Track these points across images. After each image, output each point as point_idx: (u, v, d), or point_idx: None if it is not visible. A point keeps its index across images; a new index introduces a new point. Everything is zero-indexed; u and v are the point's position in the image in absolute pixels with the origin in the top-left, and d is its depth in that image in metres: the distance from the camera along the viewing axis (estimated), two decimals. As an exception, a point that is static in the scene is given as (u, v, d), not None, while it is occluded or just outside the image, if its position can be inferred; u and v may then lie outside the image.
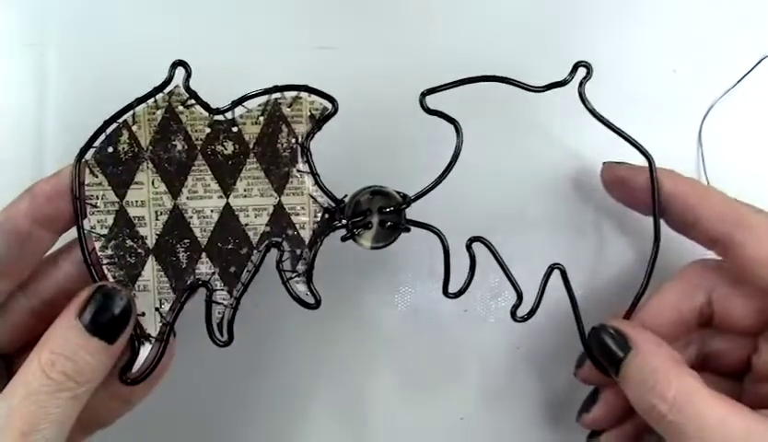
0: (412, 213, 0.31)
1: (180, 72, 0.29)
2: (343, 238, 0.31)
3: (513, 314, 0.33)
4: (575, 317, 0.33)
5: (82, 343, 0.27)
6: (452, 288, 0.32)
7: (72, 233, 0.30)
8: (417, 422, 0.36)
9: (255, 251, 0.31)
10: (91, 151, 0.29)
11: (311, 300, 0.31)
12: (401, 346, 0.36)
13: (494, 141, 0.34)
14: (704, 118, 0.36)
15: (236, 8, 0.35)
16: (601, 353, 0.31)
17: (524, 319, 0.32)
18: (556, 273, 0.32)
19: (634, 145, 0.32)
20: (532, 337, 0.36)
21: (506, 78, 0.31)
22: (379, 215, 0.31)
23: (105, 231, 0.30)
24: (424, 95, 0.31)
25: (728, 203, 0.30)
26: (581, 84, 0.31)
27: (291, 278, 0.31)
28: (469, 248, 0.32)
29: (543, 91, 0.31)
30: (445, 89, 0.31)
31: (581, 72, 0.31)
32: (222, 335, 0.31)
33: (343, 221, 0.31)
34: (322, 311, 0.31)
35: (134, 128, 0.30)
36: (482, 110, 0.31)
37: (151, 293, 0.30)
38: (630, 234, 0.35)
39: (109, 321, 0.28)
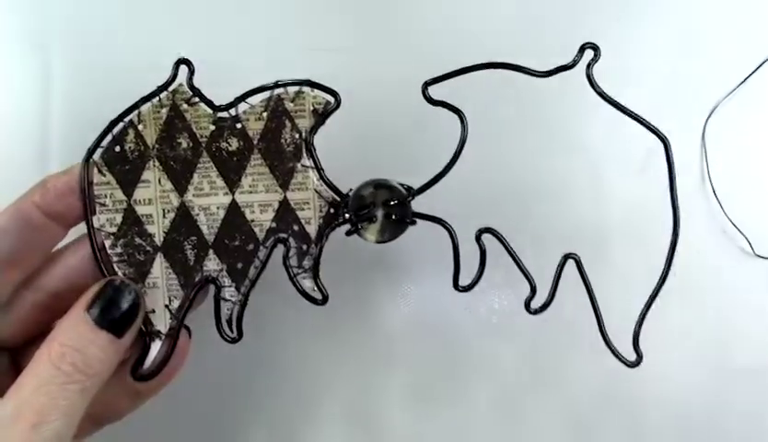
0: (419, 206, 0.31)
1: (183, 70, 0.30)
2: (348, 233, 0.31)
3: (527, 306, 0.32)
4: (592, 306, 0.32)
5: (91, 335, 0.27)
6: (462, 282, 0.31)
7: (80, 228, 0.31)
8: (419, 419, 0.36)
9: (262, 247, 0.31)
10: (99, 151, 0.30)
11: (318, 296, 0.31)
12: (403, 345, 0.36)
13: (497, 131, 0.34)
14: (708, 118, 0.36)
15: (237, 9, 0.36)
16: None
17: (538, 311, 0.32)
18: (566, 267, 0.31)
19: (647, 126, 0.31)
20: (533, 336, 0.36)
21: (511, 64, 0.30)
22: (384, 208, 0.31)
23: (114, 230, 0.30)
24: (426, 85, 0.30)
25: None
26: (589, 66, 0.31)
27: (298, 274, 0.31)
28: (478, 239, 0.31)
29: (548, 76, 0.30)
30: (448, 78, 0.30)
31: (588, 54, 0.30)
32: (231, 331, 0.31)
33: (347, 215, 0.30)
34: (325, 309, 0.31)
35: (140, 127, 0.30)
36: (485, 100, 0.30)
37: (160, 290, 0.31)
38: (635, 227, 0.35)
39: (117, 315, 0.28)
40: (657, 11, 0.36)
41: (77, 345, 0.27)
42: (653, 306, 0.32)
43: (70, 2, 0.37)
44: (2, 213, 0.29)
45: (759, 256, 0.36)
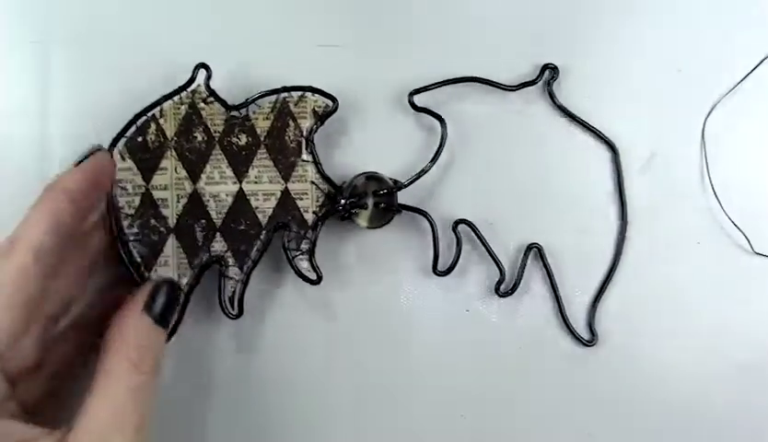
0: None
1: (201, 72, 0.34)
2: (342, 218, 0.35)
3: (497, 290, 0.36)
4: (553, 290, 0.36)
5: (154, 335, 0.29)
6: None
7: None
8: (418, 419, 0.36)
9: (264, 232, 0.35)
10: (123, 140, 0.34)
11: (313, 276, 0.35)
12: (403, 345, 0.36)
13: (491, 134, 0.37)
14: (708, 116, 0.37)
15: (237, 7, 0.37)
16: None
17: (507, 294, 0.36)
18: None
19: (598, 135, 0.36)
20: (535, 336, 0.37)
21: (482, 79, 0.36)
22: (374, 197, 0.35)
23: (132, 211, 0.34)
24: (411, 94, 0.36)
25: None
26: (549, 83, 0.36)
27: (296, 256, 0.35)
28: (455, 229, 0.36)
29: (515, 90, 0.36)
30: (430, 89, 0.36)
31: (548, 73, 0.36)
32: (233, 309, 0.34)
33: (342, 202, 0.34)
34: (324, 309, 0.34)
35: (161, 121, 0.34)
36: (473, 104, 0.36)
37: (171, 268, 0.34)
38: (637, 225, 0.37)
39: (168, 312, 0.30)
40: (657, 10, 0.37)
41: (148, 346, 0.28)
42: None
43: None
44: (37, 230, 0.28)
45: (757, 253, 0.36)
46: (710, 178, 0.37)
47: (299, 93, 0.35)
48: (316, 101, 0.35)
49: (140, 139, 0.34)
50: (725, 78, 0.37)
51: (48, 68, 0.37)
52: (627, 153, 0.36)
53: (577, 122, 0.36)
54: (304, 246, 0.35)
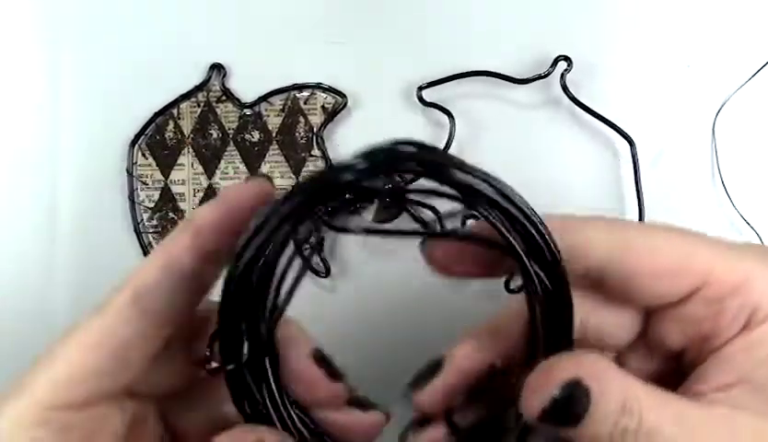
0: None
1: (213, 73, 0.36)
2: (349, 212, 0.35)
3: (506, 286, 0.35)
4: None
5: None
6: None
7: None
8: None
9: (275, 225, 0.36)
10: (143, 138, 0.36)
11: (322, 269, 0.35)
12: (410, 342, 0.34)
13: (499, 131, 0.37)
14: (718, 113, 0.36)
15: (248, 6, 0.37)
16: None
17: (516, 291, 0.35)
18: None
19: (614, 128, 0.35)
20: None
21: (491, 72, 0.35)
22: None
23: (152, 205, 0.36)
24: (420, 89, 0.36)
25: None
26: (562, 76, 0.35)
27: (305, 249, 0.35)
28: (463, 224, 0.35)
29: (526, 83, 0.35)
30: (439, 84, 0.35)
31: (562, 65, 0.35)
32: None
33: (347, 196, 0.35)
34: (329, 306, 0.35)
35: (179, 119, 0.36)
36: (482, 99, 0.35)
37: (187, 259, 0.36)
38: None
39: None
40: (668, 7, 0.37)
41: None
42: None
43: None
44: (149, 266, 0.23)
45: (768, 249, 0.36)
46: (720, 174, 0.36)
47: (309, 90, 0.36)
48: (325, 98, 0.36)
49: (159, 137, 0.36)
50: (735, 74, 0.36)
51: (58, 65, 0.37)
52: (636, 149, 0.35)
53: (593, 114, 0.35)
54: (313, 239, 0.36)
